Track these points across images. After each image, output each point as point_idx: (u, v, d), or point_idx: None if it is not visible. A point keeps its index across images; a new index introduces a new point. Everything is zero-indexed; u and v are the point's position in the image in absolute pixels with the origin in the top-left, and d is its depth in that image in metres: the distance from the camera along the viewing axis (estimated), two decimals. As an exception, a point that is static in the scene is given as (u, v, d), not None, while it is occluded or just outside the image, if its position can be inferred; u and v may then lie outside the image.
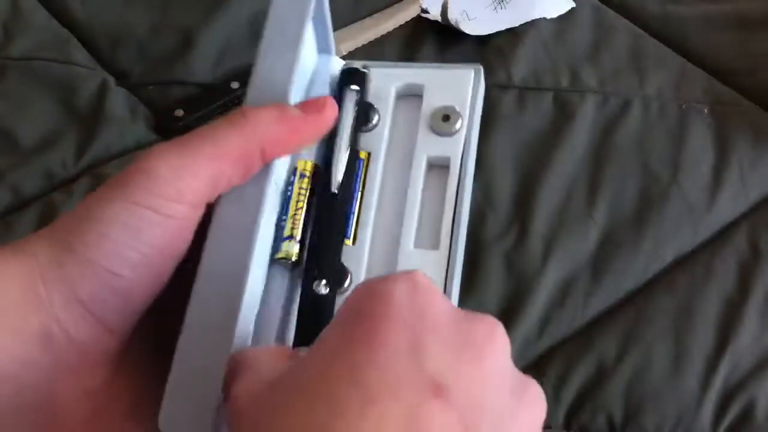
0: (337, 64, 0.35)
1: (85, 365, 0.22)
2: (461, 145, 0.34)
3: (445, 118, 0.34)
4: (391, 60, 0.56)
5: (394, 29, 0.58)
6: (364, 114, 0.34)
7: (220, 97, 0.54)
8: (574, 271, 0.48)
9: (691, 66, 0.57)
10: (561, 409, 0.45)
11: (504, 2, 0.59)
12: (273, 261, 0.30)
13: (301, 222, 0.30)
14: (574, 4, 0.60)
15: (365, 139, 0.34)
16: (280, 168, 0.30)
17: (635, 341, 0.46)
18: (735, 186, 0.51)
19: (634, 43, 0.58)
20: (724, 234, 0.50)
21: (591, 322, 0.47)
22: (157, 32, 0.57)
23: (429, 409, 0.18)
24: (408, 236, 0.33)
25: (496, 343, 0.20)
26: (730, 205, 0.51)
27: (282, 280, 0.31)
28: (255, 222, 0.25)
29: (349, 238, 0.32)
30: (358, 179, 0.33)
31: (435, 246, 0.33)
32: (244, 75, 0.55)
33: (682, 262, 0.49)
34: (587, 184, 0.51)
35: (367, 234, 0.33)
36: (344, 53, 0.57)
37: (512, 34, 0.57)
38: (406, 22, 0.59)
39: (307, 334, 0.29)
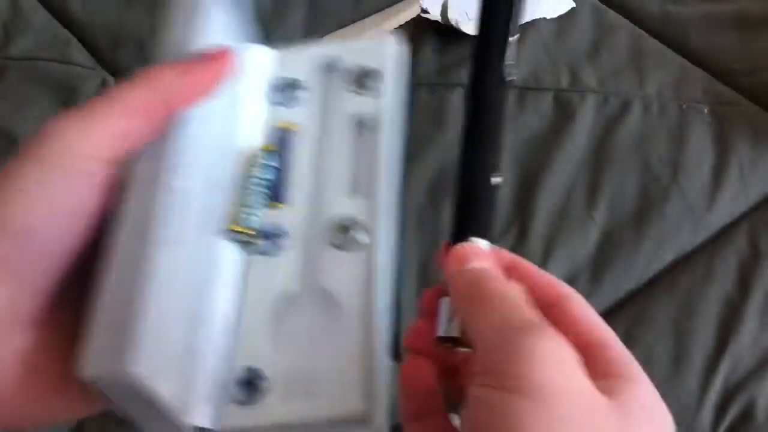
0: (264, 54, 0.36)
1: (13, 325, 0.23)
2: (384, 101, 0.35)
3: (366, 75, 0.36)
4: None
5: (394, 29, 0.58)
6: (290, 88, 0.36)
7: (220, 97, 0.54)
8: (574, 271, 0.48)
9: (691, 66, 0.57)
10: (561, 409, 0.45)
11: (504, 2, 0.59)
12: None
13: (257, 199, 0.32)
14: (574, 4, 0.60)
15: (292, 112, 0.36)
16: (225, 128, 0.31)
17: (635, 341, 0.46)
18: (735, 186, 0.51)
19: (634, 43, 0.58)
20: (724, 234, 0.50)
21: (591, 322, 0.47)
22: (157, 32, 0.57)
23: None
24: (341, 185, 0.34)
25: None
26: (730, 205, 0.51)
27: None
28: (167, 170, 0.26)
29: (284, 203, 0.33)
30: (289, 148, 0.34)
31: (368, 193, 0.34)
32: (244, 75, 0.55)
33: (682, 262, 0.49)
34: (587, 184, 0.51)
35: (302, 192, 0.34)
36: (344, 53, 0.57)
37: (512, 34, 0.57)
38: (406, 22, 0.59)
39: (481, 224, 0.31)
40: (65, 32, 0.57)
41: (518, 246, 0.49)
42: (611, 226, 0.50)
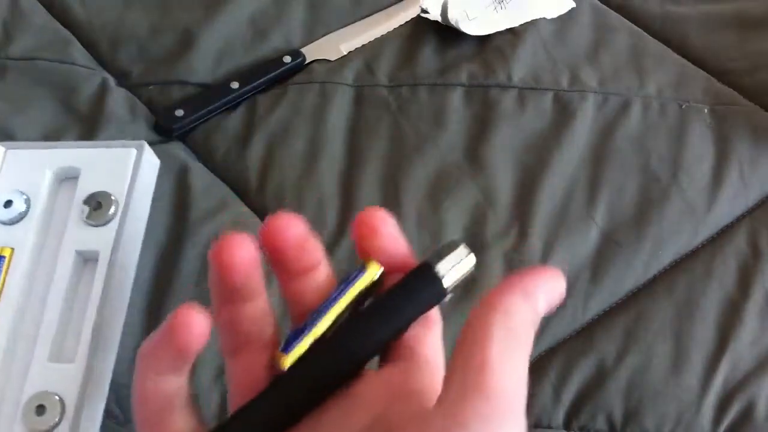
0: None
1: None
2: (112, 236, 0.31)
3: (98, 205, 0.31)
4: (389, 59, 0.56)
5: (394, 29, 0.58)
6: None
7: (220, 97, 0.54)
8: (574, 271, 0.48)
9: (691, 66, 0.57)
10: (561, 409, 0.45)
11: (504, 2, 0.59)
12: None
13: None
14: (574, 4, 0.60)
15: (9, 232, 0.30)
16: None
17: (635, 341, 0.46)
18: (735, 186, 0.51)
19: (634, 43, 0.58)
20: (724, 234, 0.50)
21: (591, 322, 0.47)
22: (157, 32, 0.57)
23: None
24: (43, 346, 0.29)
25: None
26: (730, 205, 0.51)
27: None
28: None
29: None
30: None
31: (70, 358, 0.29)
32: (244, 75, 0.55)
33: (682, 262, 0.49)
34: (587, 184, 0.51)
35: (1, 343, 0.29)
36: (344, 53, 0.57)
37: (512, 34, 0.57)
38: (406, 22, 0.59)
39: None
40: (65, 32, 0.57)
41: (518, 246, 0.49)
42: (611, 226, 0.50)
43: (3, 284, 0.29)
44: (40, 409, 0.28)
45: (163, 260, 0.47)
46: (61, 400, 0.27)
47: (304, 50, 0.57)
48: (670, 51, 0.58)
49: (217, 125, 0.54)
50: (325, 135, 0.53)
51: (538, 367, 0.46)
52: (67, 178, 0.32)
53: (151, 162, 0.31)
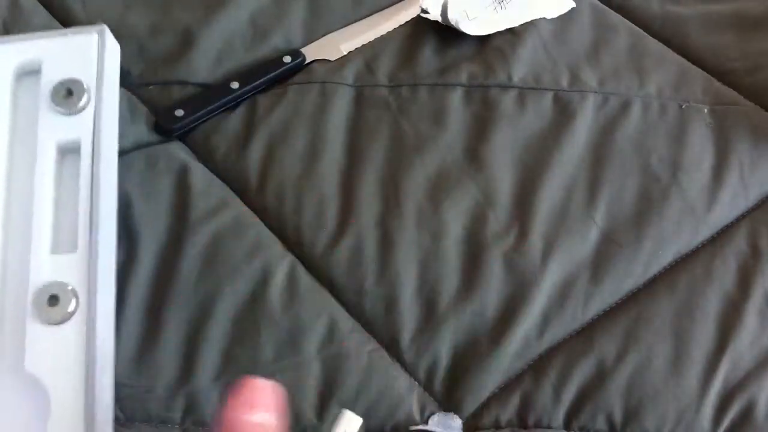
0: None
1: None
2: (90, 122, 0.29)
3: (68, 93, 0.29)
4: (389, 59, 0.56)
5: (394, 29, 0.58)
6: None
7: (220, 97, 0.54)
8: (574, 271, 0.48)
9: (691, 66, 0.57)
10: (561, 409, 0.45)
11: (504, 2, 0.59)
12: None
13: None
14: (574, 4, 0.60)
15: None
16: None
17: (635, 341, 0.46)
18: (735, 186, 0.51)
19: (634, 43, 0.58)
20: (724, 234, 0.50)
21: (591, 322, 0.47)
22: (157, 32, 0.57)
23: None
24: (41, 240, 0.28)
25: None
26: (730, 205, 0.51)
27: None
28: None
29: None
30: None
31: (72, 248, 0.28)
32: (244, 75, 0.55)
33: (682, 262, 0.49)
34: (587, 184, 0.51)
35: None
36: (344, 53, 0.57)
37: (512, 34, 0.57)
38: (406, 22, 0.59)
39: None
40: (65, 32, 0.57)
41: (518, 246, 0.49)
42: (611, 225, 0.50)
43: None
44: (53, 300, 0.27)
45: (163, 260, 0.47)
46: (73, 290, 0.27)
47: (304, 50, 0.57)
48: (670, 51, 0.58)
49: (217, 125, 0.54)
50: (325, 135, 0.53)
51: (538, 367, 0.46)
52: (29, 72, 0.29)
53: (114, 46, 0.29)
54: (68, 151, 0.29)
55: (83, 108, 0.29)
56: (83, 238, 0.27)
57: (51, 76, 0.29)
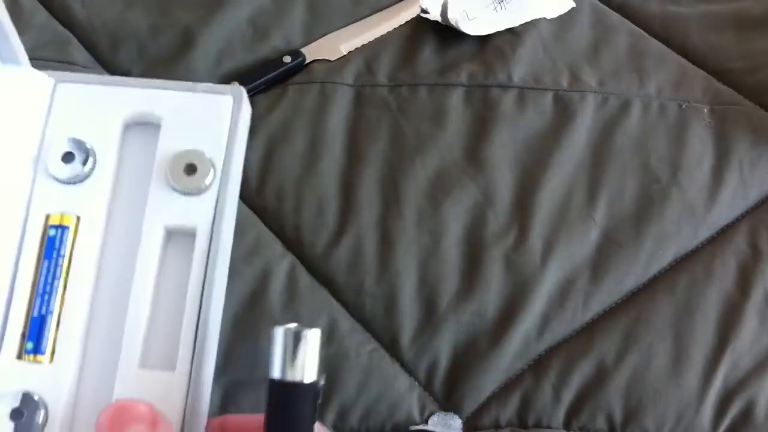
0: (29, 77, 0.22)
1: None
2: (211, 207, 0.24)
3: (190, 169, 0.24)
4: (389, 59, 0.56)
5: (394, 29, 0.58)
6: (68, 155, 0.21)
7: (220, 97, 0.54)
8: (574, 271, 0.48)
9: (691, 66, 0.57)
10: (561, 409, 0.45)
11: (504, 2, 0.59)
12: None
13: None
14: (574, 4, 0.60)
15: (72, 194, 0.22)
16: None
17: (635, 341, 0.46)
18: (735, 186, 0.51)
19: (634, 43, 0.58)
20: (724, 234, 0.50)
21: (591, 322, 0.47)
22: (157, 32, 0.57)
23: None
24: (131, 352, 0.23)
25: None
26: (730, 205, 0.51)
27: None
28: None
29: (43, 354, 0.22)
30: (57, 260, 0.22)
31: (169, 366, 0.23)
32: (244, 75, 0.55)
33: (682, 262, 0.49)
34: (587, 184, 0.51)
35: (73, 347, 0.23)
36: (344, 53, 0.57)
37: (512, 34, 0.57)
38: (406, 22, 0.59)
39: None
40: (65, 32, 0.57)
41: (518, 246, 0.49)
42: (611, 225, 0.50)
43: (69, 261, 0.22)
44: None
45: (163, 260, 0.47)
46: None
47: (304, 50, 0.57)
48: (670, 51, 0.58)
49: (217, 125, 0.54)
50: (325, 135, 0.53)
51: (538, 367, 0.46)
52: (139, 123, 0.24)
53: (247, 111, 0.24)
54: (178, 233, 0.24)
55: (205, 189, 0.24)
56: (185, 354, 0.23)
57: (169, 141, 0.23)
